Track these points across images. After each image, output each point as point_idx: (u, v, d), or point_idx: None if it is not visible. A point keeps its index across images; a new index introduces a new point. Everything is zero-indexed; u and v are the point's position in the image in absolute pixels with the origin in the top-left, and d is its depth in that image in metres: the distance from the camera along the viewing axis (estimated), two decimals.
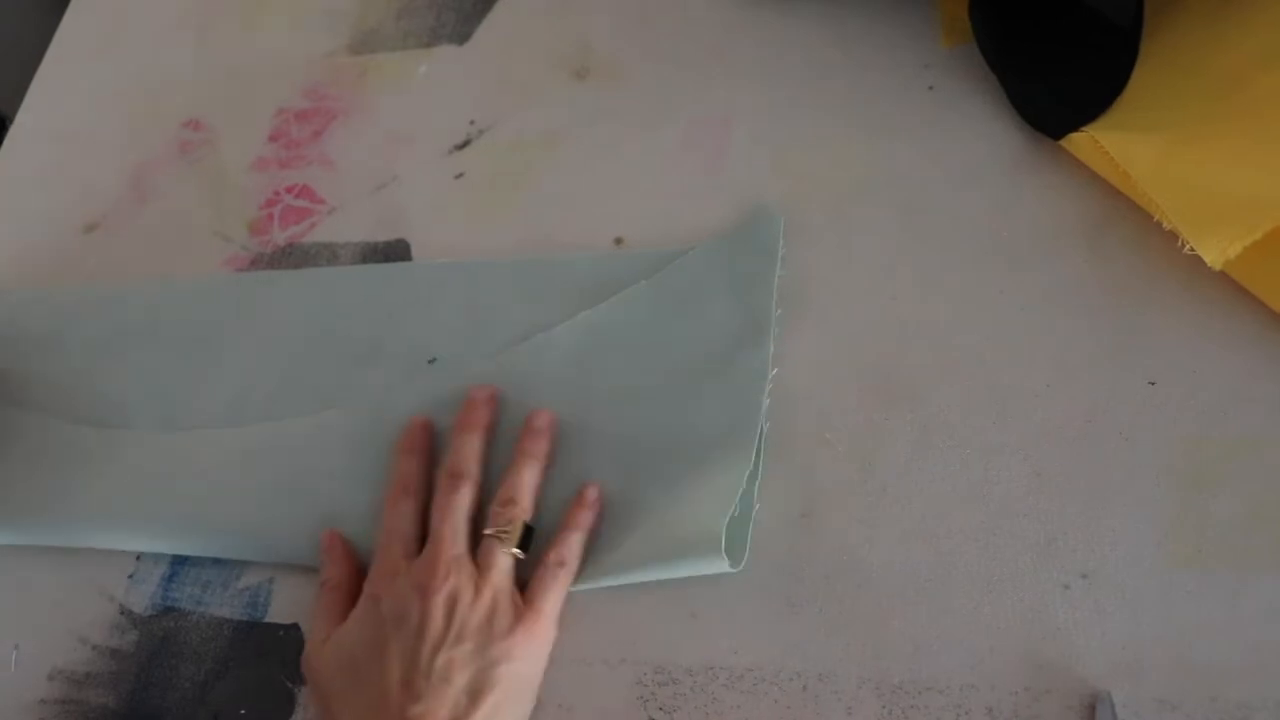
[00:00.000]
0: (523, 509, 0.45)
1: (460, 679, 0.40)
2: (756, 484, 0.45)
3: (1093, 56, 0.51)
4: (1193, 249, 0.43)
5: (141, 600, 0.50)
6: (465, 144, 0.60)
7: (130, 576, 0.50)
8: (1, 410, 0.56)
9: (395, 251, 0.57)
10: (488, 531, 0.44)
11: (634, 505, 0.45)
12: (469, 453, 0.47)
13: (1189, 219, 0.44)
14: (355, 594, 0.45)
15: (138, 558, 0.51)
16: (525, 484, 0.46)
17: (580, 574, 0.44)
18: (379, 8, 0.67)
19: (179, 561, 0.50)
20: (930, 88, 0.54)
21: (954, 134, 0.52)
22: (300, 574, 0.48)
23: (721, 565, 0.43)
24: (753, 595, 0.43)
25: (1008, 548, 0.42)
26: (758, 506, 0.45)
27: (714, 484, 0.45)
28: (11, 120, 0.71)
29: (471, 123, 0.61)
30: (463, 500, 0.45)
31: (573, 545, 0.44)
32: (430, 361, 0.52)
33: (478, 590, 0.43)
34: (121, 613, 0.50)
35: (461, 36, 0.64)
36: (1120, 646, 0.39)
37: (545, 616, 0.43)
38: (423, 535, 0.45)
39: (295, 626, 0.47)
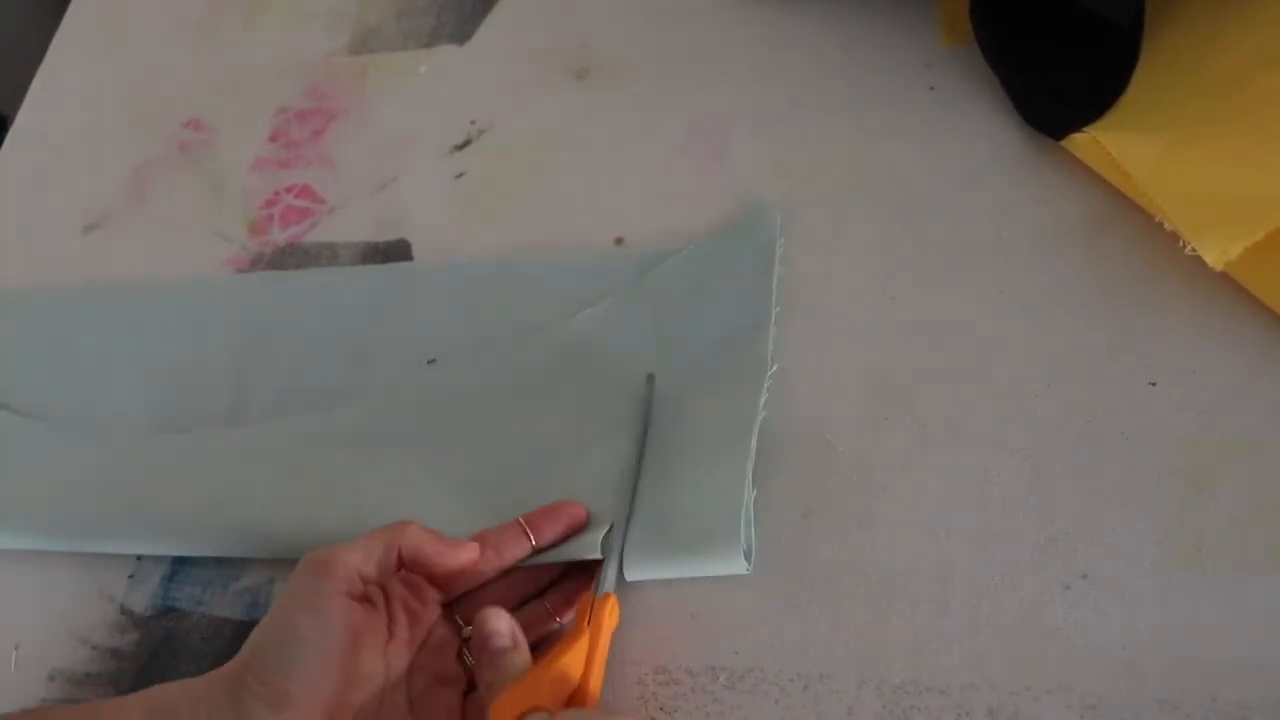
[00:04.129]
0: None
1: None
2: (749, 480, 0.45)
3: (1093, 56, 0.51)
4: (1194, 249, 0.43)
5: (141, 600, 0.50)
6: (465, 144, 0.60)
7: (130, 577, 0.50)
8: (1, 413, 0.56)
9: (395, 251, 0.57)
10: None
11: (635, 502, 0.45)
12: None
13: (1190, 219, 0.44)
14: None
15: (138, 558, 0.51)
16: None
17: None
18: (379, 8, 0.67)
19: (179, 562, 0.50)
20: (931, 88, 0.54)
21: (954, 134, 0.52)
22: None
23: (739, 567, 0.43)
24: (753, 595, 0.43)
25: (1008, 548, 0.42)
26: (754, 492, 0.45)
27: (719, 481, 0.45)
28: (11, 120, 0.71)
29: (471, 123, 0.61)
30: None
31: None
32: (430, 362, 0.52)
33: None
34: (121, 613, 0.50)
35: (462, 36, 0.64)
36: (1120, 646, 0.39)
37: None
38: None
39: None
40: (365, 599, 0.41)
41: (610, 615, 0.42)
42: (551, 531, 0.44)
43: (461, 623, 0.44)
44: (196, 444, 0.53)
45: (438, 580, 0.43)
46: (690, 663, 0.43)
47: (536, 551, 0.44)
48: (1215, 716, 0.38)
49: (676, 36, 0.60)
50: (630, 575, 0.44)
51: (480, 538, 0.44)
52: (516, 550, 0.44)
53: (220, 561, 0.50)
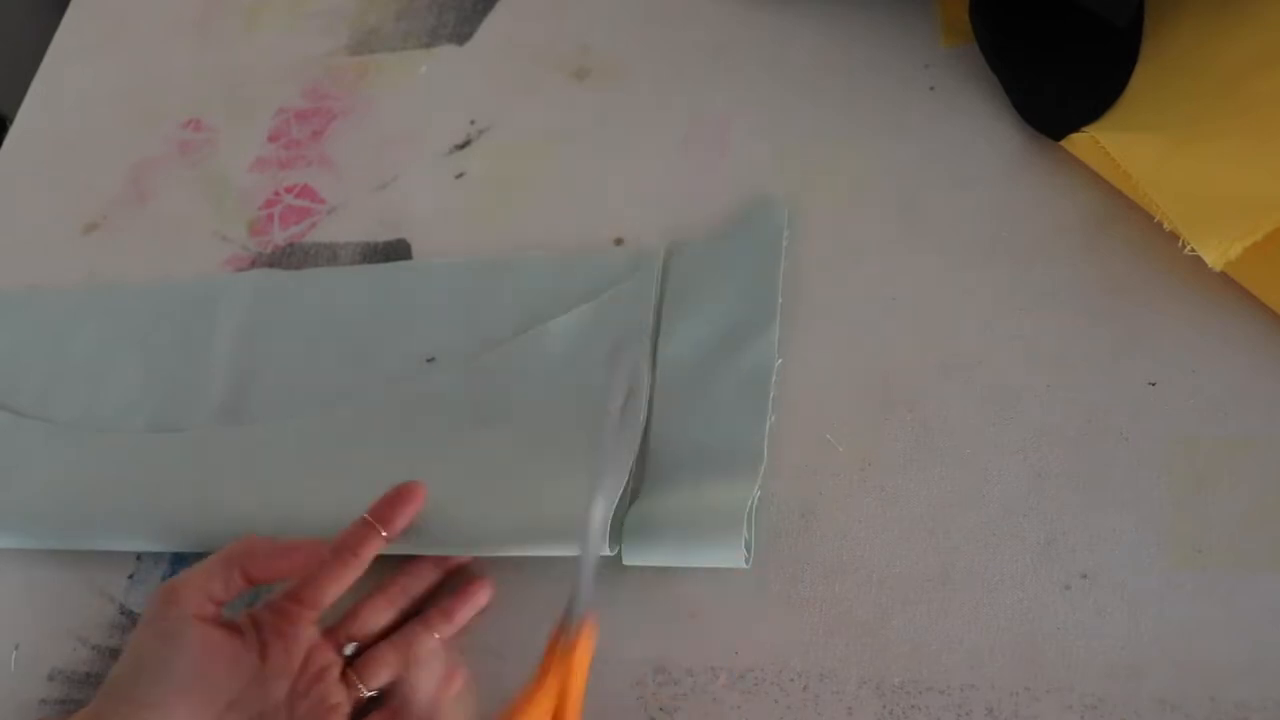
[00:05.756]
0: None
1: None
2: (759, 480, 0.45)
3: (1093, 56, 0.51)
4: (1193, 250, 0.43)
5: (142, 600, 0.50)
6: (465, 144, 0.60)
7: (130, 577, 0.50)
8: (1, 413, 0.56)
9: (395, 251, 0.57)
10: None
11: (642, 497, 0.46)
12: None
13: (1190, 219, 0.44)
14: None
15: (138, 558, 0.51)
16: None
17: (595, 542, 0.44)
18: (379, 8, 0.67)
19: (179, 561, 0.50)
20: (931, 88, 0.54)
21: (954, 134, 0.52)
22: None
23: (736, 559, 0.43)
24: (753, 595, 0.43)
25: (1008, 548, 0.42)
26: (758, 492, 0.45)
27: (728, 475, 0.45)
28: (11, 120, 0.71)
29: (471, 123, 0.61)
30: None
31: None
32: (429, 361, 0.52)
33: None
34: (121, 613, 0.50)
35: (462, 36, 0.64)
36: (1120, 646, 0.39)
37: None
38: None
39: None
40: (227, 625, 0.40)
41: (584, 646, 0.40)
42: (401, 518, 0.44)
43: (344, 641, 0.44)
44: (196, 443, 0.53)
45: (299, 596, 0.42)
46: (690, 663, 0.43)
47: (386, 534, 0.44)
48: (1215, 716, 0.38)
49: (676, 36, 0.60)
50: (629, 560, 0.44)
51: (332, 544, 0.43)
52: (371, 546, 0.43)
53: None
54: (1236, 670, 0.38)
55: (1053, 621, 0.40)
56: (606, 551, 0.42)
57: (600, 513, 0.40)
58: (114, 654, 0.49)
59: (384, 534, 0.43)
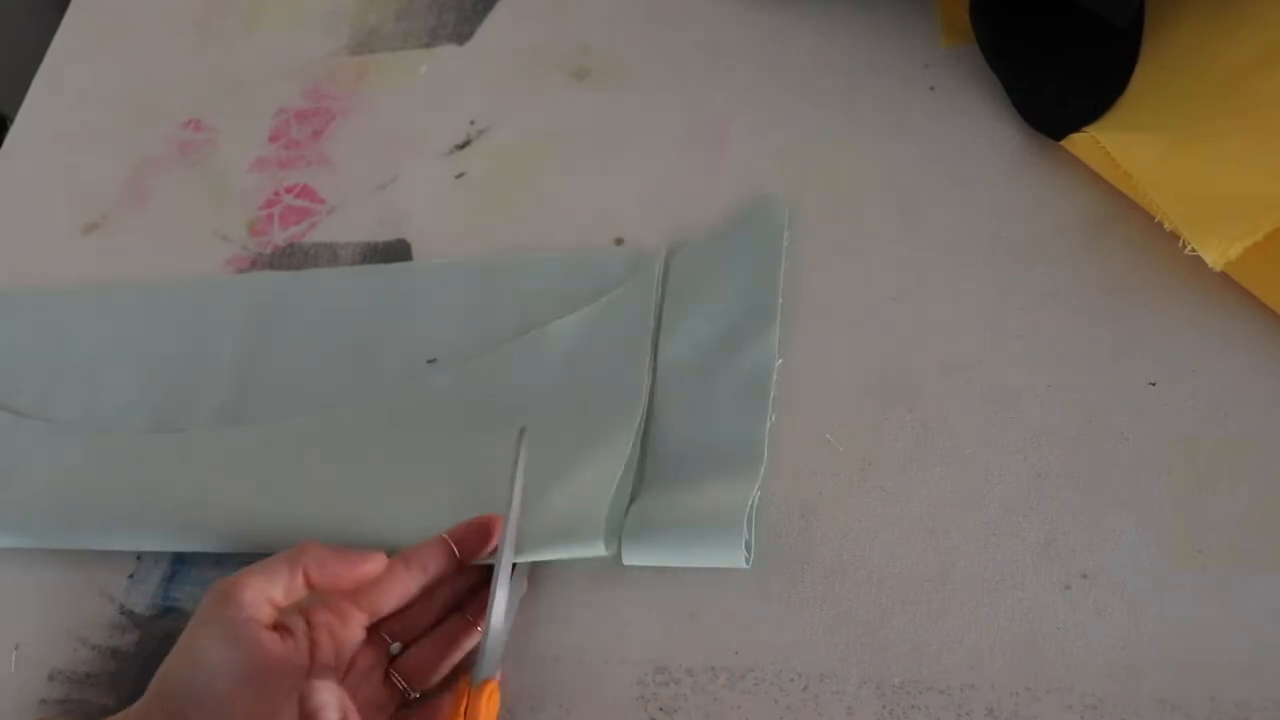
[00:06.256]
0: None
1: None
2: (759, 479, 0.45)
3: (1094, 56, 0.51)
4: (1193, 250, 0.43)
5: (142, 600, 0.50)
6: (465, 144, 0.60)
7: (130, 576, 0.50)
8: (1, 413, 0.56)
9: (395, 251, 0.57)
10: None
11: (642, 497, 0.46)
12: None
13: (1190, 219, 0.44)
14: None
15: (138, 558, 0.51)
16: None
17: (588, 542, 0.44)
18: (379, 8, 0.67)
19: (179, 561, 0.50)
20: (931, 88, 0.54)
21: (954, 134, 0.52)
22: None
23: (736, 559, 0.43)
24: (753, 595, 0.43)
25: (1008, 548, 0.42)
26: (758, 492, 0.45)
27: (728, 475, 0.45)
28: (11, 120, 0.71)
29: (471, 123, 0.61)
30: None
31: None
32: (429, 362, 0.52)
33: None
34: (121, 613, 0.50)
35: (462, 36, 0.64)
36: (1120, 646, 0.39)
37: None
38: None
39: None
40: (280, 627, 0.40)
41: (489, 702, 0.40)
42: (479, 550, 0.44)
43: (389, 640, 0.44)
44: (196, 443, 0.53)
45: (358, 599, 0.42)
46: (690, 663, 0.43)
47: (461, 559, 0.44)
48: (1215, 716, 0.38)
49: (676, 36, 0.60)
50: (629, 560, 0.44)
51: (404, 556, 0.43)
52: (445, 567, 0.43)
53: (220, 561, 0.50)
54: (1236, 670, 0.38)
55: (1053, 621, 0.40)
56: (501, 628, 0.42)
57: (503, 594, 0.42)
58: (114, 654, 0.49)
59: (458, 558, 0.43)
